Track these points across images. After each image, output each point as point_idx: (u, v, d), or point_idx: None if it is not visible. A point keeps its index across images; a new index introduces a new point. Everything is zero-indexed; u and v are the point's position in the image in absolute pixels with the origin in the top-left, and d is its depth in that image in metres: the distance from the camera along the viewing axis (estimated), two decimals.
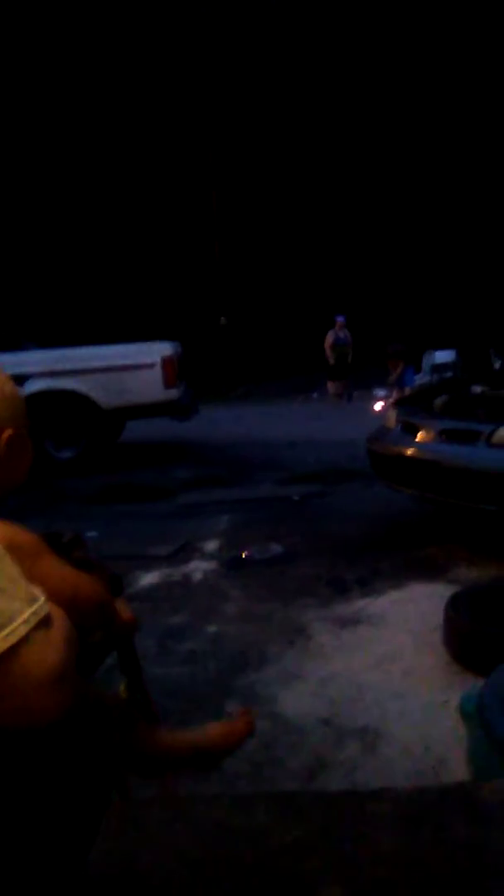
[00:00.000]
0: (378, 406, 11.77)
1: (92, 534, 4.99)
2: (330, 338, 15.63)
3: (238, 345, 19.10)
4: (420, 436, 4.25)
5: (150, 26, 18.51)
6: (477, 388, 4.70)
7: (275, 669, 2.86)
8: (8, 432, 1.10)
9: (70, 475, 7.44)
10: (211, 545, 4.63)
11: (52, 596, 0.82)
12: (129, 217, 19.46)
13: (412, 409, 4.81)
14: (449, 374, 14.79)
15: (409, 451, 4.24)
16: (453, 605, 2.92)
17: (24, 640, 0.75)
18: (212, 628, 3.28)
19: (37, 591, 0.80)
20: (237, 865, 1.46)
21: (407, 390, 11.70)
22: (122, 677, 1.58)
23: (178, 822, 1.70)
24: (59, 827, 0.90)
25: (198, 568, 4.18)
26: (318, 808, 1.62)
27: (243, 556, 4.33)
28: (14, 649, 0.74)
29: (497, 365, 14.30)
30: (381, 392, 14.67)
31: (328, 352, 15.56)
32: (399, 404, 5.30)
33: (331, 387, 15.84)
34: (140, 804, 1.74)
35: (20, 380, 7.63)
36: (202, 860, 1.53)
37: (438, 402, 4.61)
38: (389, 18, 18.67)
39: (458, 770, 2.13)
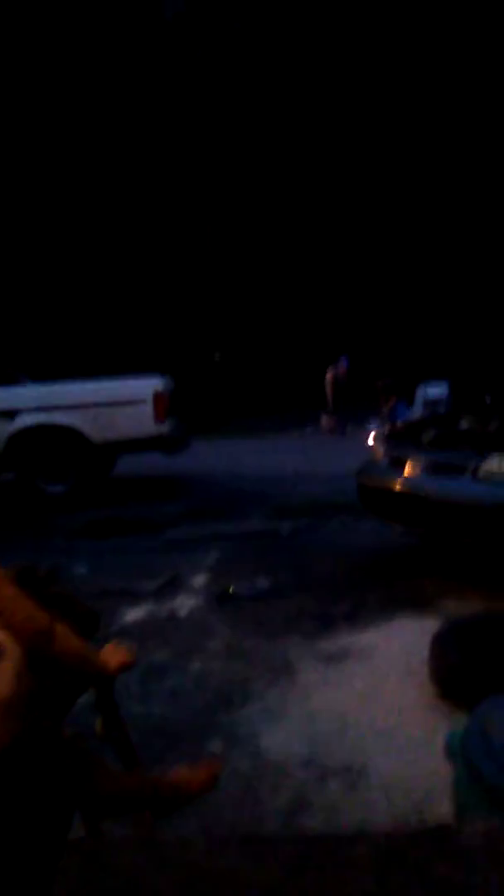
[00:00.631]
0: (371, 440, 11.77)
1: (81, 568, 4.96)
2: (331, 376, 15.90)
3: (232, 379, 19.19)
4: (407, 469, 4.26)
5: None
6: (465, 423, 4.72)
7: (258, 707, 2.82)
8: None
9: (60, 510, 7.40)
10: (198, 580, 4.59)
11: (7, 627, 0.81)
12: (123, 252, 19.64)
13: (400, 442, 4.82)
14: (441, 408, 14.86)
15: (397, 485, 4.24)
16: (439, 640, 2.90)
17: None
18: (196, 665, 3.24)
19: None
20: None
21: (399, 424, 11.72)
22: (99, 714, 1.56)
23: (153, 864, 1.66)
24: (8, 860, 0.87)
25: (184, 603, 4.14)
26: (294, 851, 1.59)
27: (230, 591, 4.29)
28: None
29: (488, 400, 14.34)
30: (374, 426, 14.71)
31: (329, 388, 15.80)
32: (387, 438, 5.31)
33: (324, 421, 15.91)
34: (114, 845, 1.70)
35: (11, 414, 7.64)
36: None
37: (426, 435, 4.62)
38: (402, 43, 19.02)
39: (441, 809, 2.09)
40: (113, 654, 1.34)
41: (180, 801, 1.23)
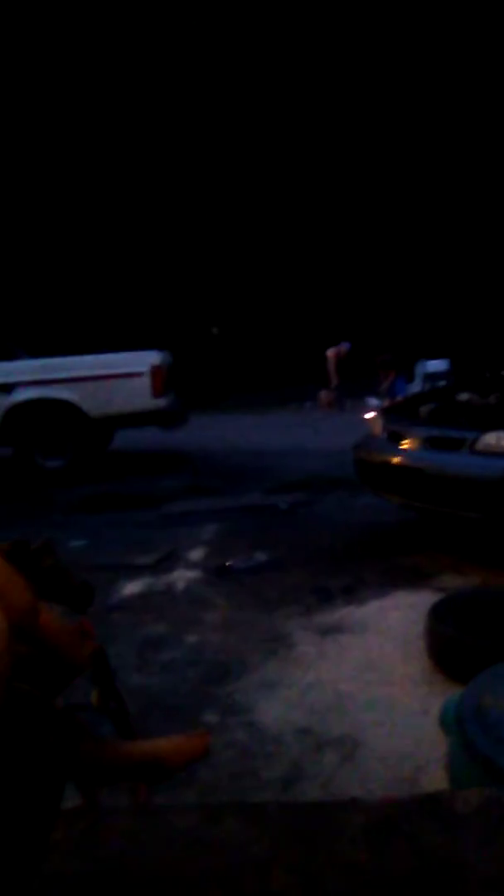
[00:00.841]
0: (369, 415, 11.77)
1: (79, 542, 4.97)
2: (333, 353, 15.88)
3: (230, 354, 19.12)
4: (405, 444, 4.24)
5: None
6: (463, 396, 4.69)
7: (255, 678, 2.83)
8: None
9: (58, 484, 7.40)
10: (196, 554, 4.60)
11: None
12: (121, 226, 19.47)
13: (398, 417, 4.80)
14: (441, 384, 14.84)
15: (394, 459, 4.23)
16: (435, 613, 2.91)
17: None
18: (193, 637, 3.25)
19: None
20: (202, 877, 1.44)
21: (398, 399, 11.71)
22: (95, 686, 1.56)
23: (148, 832, 1.67)
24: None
25: (182, 577, 4.15)
26: (288, 819, 1.59)
27: (227, 564, 4.30)
28: None
29: (488, 375, 14.31)
30: (372, 401, 14.71)
31: (331, 364, 15.78)
32: (385, 412, 5.29)
33: (323, 396, 15.89)
34: (109, 813, 1.71)
35: (8, 388, 7.61)
36: (167, 871, 1.50)
37: (424, 409, 4.60)
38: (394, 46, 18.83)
39: (436, 780, 2.10)
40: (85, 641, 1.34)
41: (173, 769, 1.23)
